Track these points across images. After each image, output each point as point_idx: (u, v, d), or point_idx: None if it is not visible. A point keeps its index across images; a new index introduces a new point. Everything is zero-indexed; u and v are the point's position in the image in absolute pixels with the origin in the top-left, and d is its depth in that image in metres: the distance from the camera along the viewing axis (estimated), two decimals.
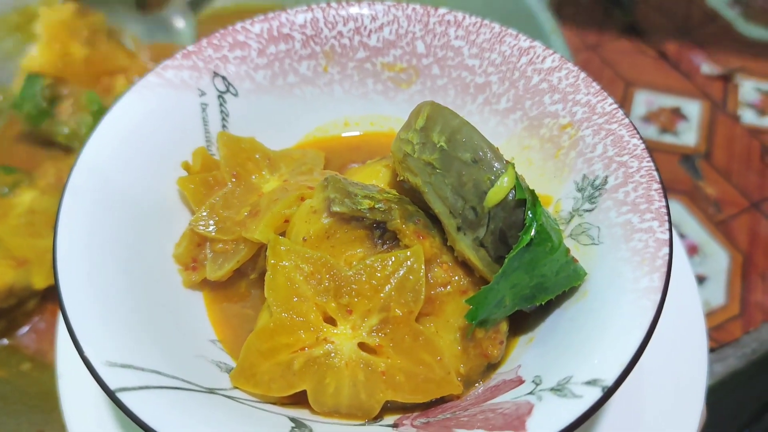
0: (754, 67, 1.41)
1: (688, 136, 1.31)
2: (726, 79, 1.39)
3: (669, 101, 1.36)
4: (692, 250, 1.16)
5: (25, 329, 0.88)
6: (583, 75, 0.67)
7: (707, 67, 1.40)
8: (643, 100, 1.36)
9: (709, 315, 1.07)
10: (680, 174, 1.25)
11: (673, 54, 1.42)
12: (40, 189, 0.95)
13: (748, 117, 1.34)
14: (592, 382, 0.49)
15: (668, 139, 1.30)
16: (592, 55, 1.41)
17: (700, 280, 1.12)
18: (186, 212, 0.69)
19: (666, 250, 0.55)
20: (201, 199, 0.67)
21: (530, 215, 0.56)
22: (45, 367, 0.84)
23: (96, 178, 0.62)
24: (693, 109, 1.35)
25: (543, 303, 0.59)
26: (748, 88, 1.38)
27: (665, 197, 0.58)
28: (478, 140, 0.58)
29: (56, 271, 0.55)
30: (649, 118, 1.34)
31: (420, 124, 0.62)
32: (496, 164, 0.57)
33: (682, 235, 1.16)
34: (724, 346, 1.05)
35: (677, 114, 1.34)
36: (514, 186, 0.56)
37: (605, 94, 0.65)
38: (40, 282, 0.85)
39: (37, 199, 0.93)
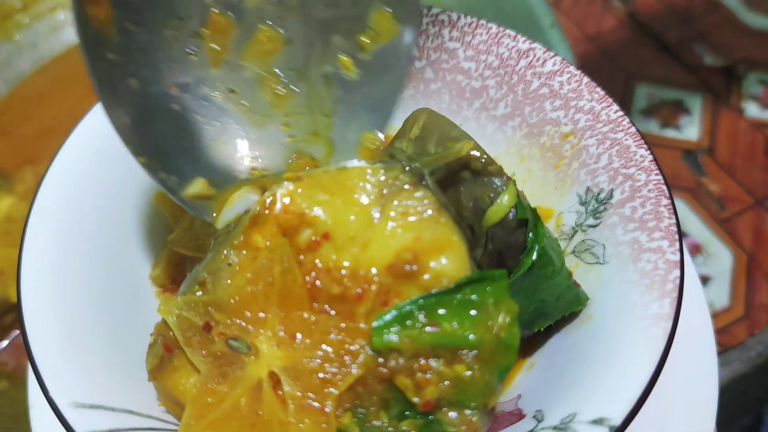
0: (757, 58, 1.37)
1: (691, 130, 1.27)
2: (729, 70, 1.35)
3: (671, 94, 1.32)
4: (695, 249, 1.13)
5: (3, 344, 0.85)
6: (586, 80, 0.63)
7: (710, 59, 1.36)
8: (644, 93, 1.32)
9: (713, 317, 1.03)
10: (682, 170, 1.22)
11: (675, 45, 1.38)
12: (18, 195, 0.91)
13: (752, 110, 1.30)
14: (598, 421, 0.46)
15: (670, 133, 1.27)
16: (592, 47, 1.37)
17: (704, 280, 1.09)
18: (164, 230, 0.65)
19: (677, 272, 0.51)
20: (179, 216, 0.63)
21: (532, 236, 0.52)
22: (24, 385, 0.80)
23: (65, 196, 0.58)
24: (695, 102, 1.31)
25: (542, 329, 0.56)
26: (751, 80, 1.34)
27: (675, 214, 0.54)
28: None
29: (20, 301, 0.51)
30: (650, 111, 1.30)
31: (415, 133, 0.58)
32: (496, 180, 0.53)
33: (684, 234, 1.12)
34: (728, 349, 1.02)
35: (679, 107, 1.30)
36: (515, 204, 0.52)
37: (610, 100, 0.61)
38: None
39: (14, 205, 0.89)
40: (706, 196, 1.18)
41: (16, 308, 0.82)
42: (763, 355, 1.01)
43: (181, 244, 0.61)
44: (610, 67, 1.35)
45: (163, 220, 0.65)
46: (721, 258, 1.11)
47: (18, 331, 0.86)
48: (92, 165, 0.60)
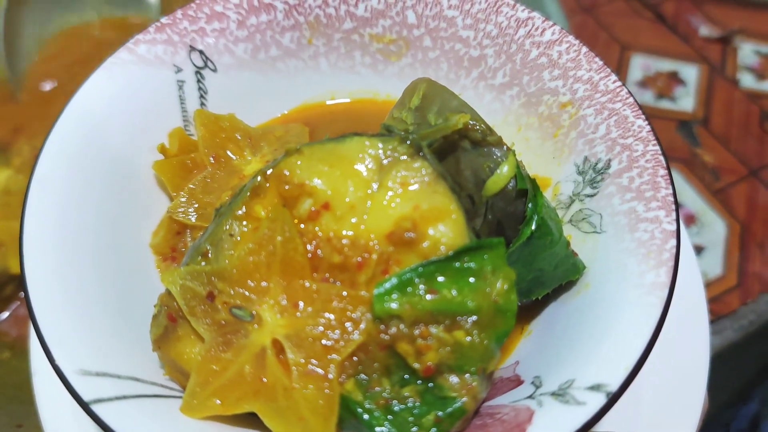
0: (753, 29, 1.36)
1: (686, 101, 1.27)
2: (725, 41, 1.35)
3: (666, 65, 1.32)
4: (689, 219, 1.14)
5: (4, 315, 0.85)
6: (585, 49, 0.63)
7: (705, 30, 1.36)
8: (640, 64, 1.32)
9: (707, 286, 1.05)
10: (677, 141, 1.22)
11: (671, 16, 1.37)
12: (15, 168, 0.90)
13: (747, 81, 1.30)
14: (595, 387, 0.46)
15: (665, 104, 1.27)
16: (587, 17, 1.36)
17: (698, 250, 1.10)
18: (163, 198, 0.65)
19: (673, 242, 0.52)
20: (179, 184, 0.63)
21: (531, 207, 0.52)
22: (25, 355, 0.80)
23: (64, 165, 0.57)
24: (691, 73, 1.31)
25: (539, 298, 0.56)
26: (747, 51, 1.34)
27: (672, 184, 0.55)
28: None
29: (23, 269, 0.51)
30: (645, 82, 1.30)
31: (415, 103, 0.58)
32: (495, 151, 0.53)
33: (679, 204, 1.13)
34: (721, 318, 1.03)
35: (674, 78, 1.30)
36: (515, 175, 0.53)
37: (608, 70, 0.61)
38: (17, 266, 0.81)
39: (12, 178, 0.89)
40: (701, 167, 1.19)
41: (16, 279, 0.83)
42: (756, 323, 1.02)
43: (181, 213, 0.61)
44: (606, 38, 1.35)
45: (163, 188, 0.65)
46: (715, 228, 1.12)
47: (19, 302, 0.86)
48: (92, 133, 0.60)
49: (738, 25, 1.36)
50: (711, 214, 1.14)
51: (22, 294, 0.85)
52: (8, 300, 0.85)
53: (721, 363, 0.98)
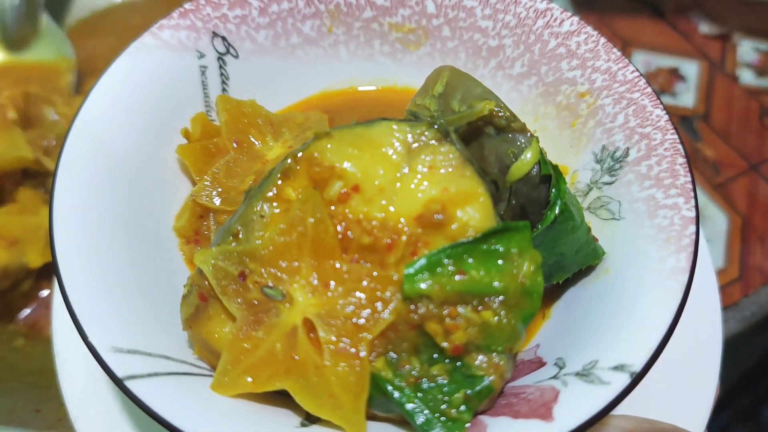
0: (753, 26, 1.38)
1: (687, 97, 1.29)
2: (724, 38, 1.36)
3: (667, 61, 1.33)
4: None
5: (26, 312, 0.85)
6: (603, 40, 0.64)
7: (705, 27, 1.37)
8: (641, 61, 1.33)
9: None
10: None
11: (672, 13, 1.39)
12: None
13: (747, 77, 1.32)
14: (619, 368, 0.47)
15: (666, 100, 1.28)
16: (589, 14, 1.37)
17: None
18: (186, 182, 0.66)
19: (692, 228, 0.53)
20: (202, 168, 0.64)
21: (554, 192, 0.53)
22: (39, 342, 0.81)
23: (90, 149, 0.58)
24: (691, 69, 1.32)
25: (560, 282, 0.57)
26: (746, 48, 1.36)
27: (690, 172, 0.56)
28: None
29: (54, 252, 0.52)
30: (646, 78, 1.31)
31: (438, 90, 0.59)
32: (519, 137, 0.54)
33: None
34: (724, 309, 1.04)
35: (675, 75, 1.32)
36: (539, 161, 0.54)
37: (626, 60, 0.63)
38: (35, 261, 0.80)
39: None
40: (702, 162, 1.20)
41: (33, 275, 0.83)
42: (757, 315, 1.03)
43: (204, 197, 0.62)
44: (608, 34, 1.36)
45: (186, 172, 0.65)
46: (717, 221, 1.14)
47: (36, 295, 0.86)
48: (115, 119, 0.60)
49: (737, 22, 1.38)
50: (712, 208, 1.15)
51: (39, 287, 0.85)
52: (26, 295, 0.85)
53: (724, 354, 1.00)
